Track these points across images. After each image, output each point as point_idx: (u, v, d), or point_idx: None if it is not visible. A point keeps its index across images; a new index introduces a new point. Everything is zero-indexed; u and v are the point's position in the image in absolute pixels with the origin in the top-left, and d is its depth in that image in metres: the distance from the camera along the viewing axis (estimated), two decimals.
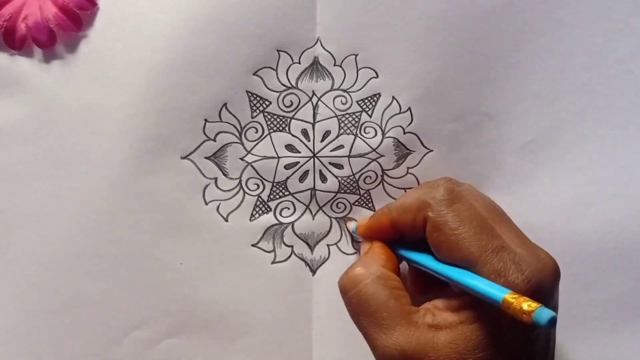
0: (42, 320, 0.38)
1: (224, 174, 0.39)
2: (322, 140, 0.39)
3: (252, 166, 0.39)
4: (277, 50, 0.38)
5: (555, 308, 0.30)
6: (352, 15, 0.38)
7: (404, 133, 0.39)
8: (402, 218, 0.33)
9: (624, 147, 0.39)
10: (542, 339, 0.30)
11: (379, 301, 0.30)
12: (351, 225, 0.39)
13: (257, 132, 0.39)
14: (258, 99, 0.39)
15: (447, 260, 0.30)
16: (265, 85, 0.39)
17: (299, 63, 0.39)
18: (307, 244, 0.39)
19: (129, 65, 0.38)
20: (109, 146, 0.38)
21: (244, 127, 0.39)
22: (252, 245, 0.39)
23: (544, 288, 0.29)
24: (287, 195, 0.39)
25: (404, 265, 0.35)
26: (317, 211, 0.39)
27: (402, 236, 0.34)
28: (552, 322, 0.25)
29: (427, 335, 0.29)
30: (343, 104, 0.39)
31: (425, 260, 0.32)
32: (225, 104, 0.38)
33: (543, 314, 0.25)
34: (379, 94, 0.39)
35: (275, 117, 0.39)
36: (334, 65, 0.39)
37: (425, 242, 0.32)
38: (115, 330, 0.38)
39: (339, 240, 0.39)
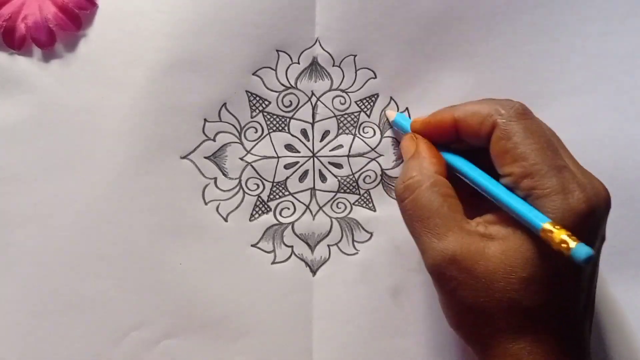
0: (42, 320, 0.38)
1: (224, 174, 0.39)
2: (321, 140, 0.39)
3: (251, 166, 0.39)
4: (277, 50, 0.38)
5: (603, 237, 0.31)
6: (351, 16, 0.38)
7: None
8: (469, 119, 0.32)
9: (624, 147, 0.39)
10: (590, 264, 0.30)
11: (433, 208, 0.31)
12: (391, 114, 0.38)
13: (256, 132, 0.39)
14: (257, 98, 0.39)
15: (505, 170, 0.31)
16: (264, 85, 0.39)
17: (298, 63, 0.39)
18: (308, 244, 0.39)
19: (128, 65, 0.38)
20: (109, 146, 0.38)
21: (244, 127, 0.39)
22: (252, 245, 0.39)
23: (599, 213, 0.30)
24: (287, 195, 0.39)
25: None
26: (318, 211, 0.39)
27: (456, 139, 0.34)
28: (589, 260, 0.26)
29: (479, 243, 0.30)
30: (342, 104, 0.39)
31: (473, 172, 0.32)
32: (224, 104, 0.38)
33: (583, 250, 0.26)
34: (377, 94, 0.39)
35: (274, 117, 0.39)
36: (333, 65, 0.39)
37: (474, 153, 0.33)
38: (114, 330, 0.38)
39: (340, 241, 0.39)
